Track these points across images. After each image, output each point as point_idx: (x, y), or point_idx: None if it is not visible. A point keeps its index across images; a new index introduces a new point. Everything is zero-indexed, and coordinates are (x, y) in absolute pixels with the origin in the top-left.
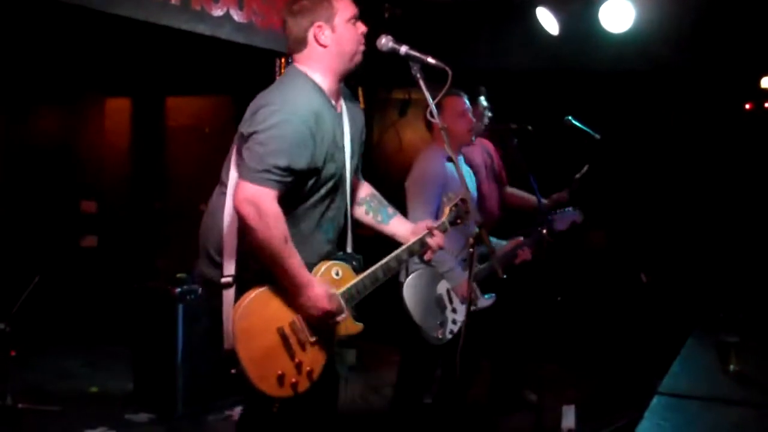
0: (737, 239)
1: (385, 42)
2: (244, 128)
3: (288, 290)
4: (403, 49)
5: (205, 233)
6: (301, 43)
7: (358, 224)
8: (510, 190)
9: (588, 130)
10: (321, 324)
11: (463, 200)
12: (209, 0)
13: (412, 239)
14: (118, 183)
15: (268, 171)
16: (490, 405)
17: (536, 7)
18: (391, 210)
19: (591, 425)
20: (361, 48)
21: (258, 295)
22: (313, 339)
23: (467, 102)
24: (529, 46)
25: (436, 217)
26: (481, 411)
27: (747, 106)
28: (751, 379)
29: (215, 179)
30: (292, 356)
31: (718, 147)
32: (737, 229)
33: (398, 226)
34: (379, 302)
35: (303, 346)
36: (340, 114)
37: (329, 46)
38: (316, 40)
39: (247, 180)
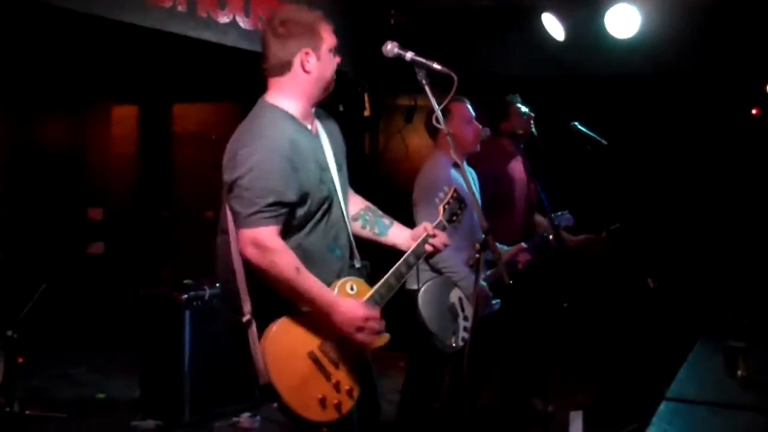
0: (744, 244)
1: (390, 48)
2: (226, 176)
3: (310, 314)
4: (409, 55)
5: (222, 283)
6: (284, 67)
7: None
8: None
9: (594, 135)
10: (355, 338)
11: (455, 197)
12: (215, 7)
13: (414, 244)
14: (124, 190)
15: (259, 212)
16: (500, 413)
17: (542, 13)
18: (387, 220)
19: (599, 431)
20: (334, 77)
21: (280, 326)
22: (343, 356)
23: (471, 109)
24: (534, 52)
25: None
26: (490, 419)
27: (753, 111)
28: (758, 384)
29: (222, 186)
30: (328, 378)
31: (724, 152)
32: (744, 234)
33: (397, 236)
34: (385, 309)
35: (337, 366)
36: (317, 135)
37: (311, 73)
38: (302, 67)
39: (243, 227)
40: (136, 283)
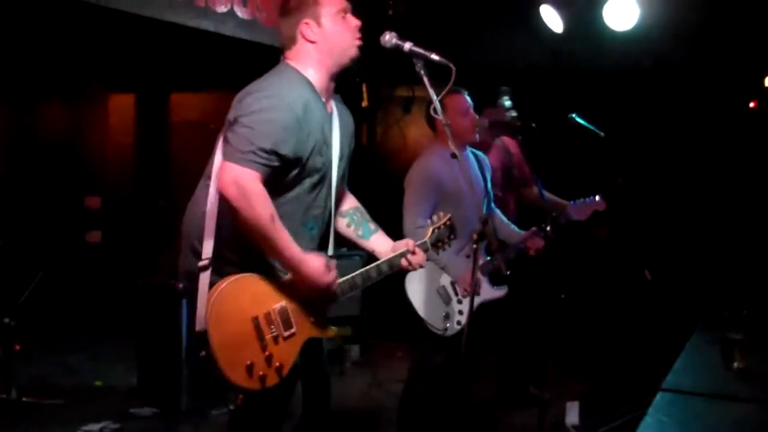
0: (741, 236)
1: (388, 38)
2: (231, 113)
3: (268, 281)
4: (407, 45)
5: (188, 226)
6: (291, 41)
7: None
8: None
9: (592, 127)
10: (300, 316)
11: (448, 225)
12: None
13: (392, 255)
14: (122, 178)
15: (253, 152)
16: (497, 401)
17: (540, 4)
18: (373, 226)
19: (595, 421)
20: (356, 42)
21: (236, 281)
22: (286, 333)
23: (469, 99)
24: (532, 43)
25: (430, 218)
26: (486, 407)
27: (751, 105)
28: (754, 375)
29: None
30: (263, 348)
31: (722, 145)
32: (741, 226)
33: (378, 243)
34: (382, 299)
35: (276, 339)
36: (331, 114)
37: (318, 42)
38: (304, 37)
39: (231, 161)
40: (134, 272)
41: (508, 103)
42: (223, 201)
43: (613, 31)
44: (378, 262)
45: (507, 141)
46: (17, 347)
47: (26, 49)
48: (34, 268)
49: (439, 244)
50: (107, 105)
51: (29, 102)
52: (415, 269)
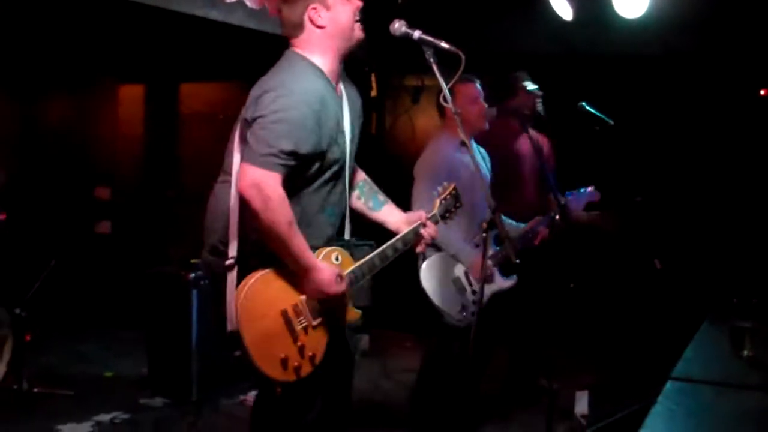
0: (751, 225)
1: (398, 27)
2: (248, 114)
3: (293, 273)
4: (416, 33)
5: (210, 223)
6: (297, 28)
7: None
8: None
9: (601, 115)
10: (325, 306)
11: (453, 194)
12: None
13: (405, 229)
14: (131, 169)
15: (273, 155)
16: (506, 392)
17: None
18: (382, 197)
19: (604, 410)
20: (357, 24)
21: (261, 277)
22: (315, 323)
23: (479, 87)
24: (542, 31)
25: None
26: (496, 398)
27: (761, 92)
28: (764, 364)
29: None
30: (294, 339)
31: (732, 133)
32: (751, 214)
33: (389, 214)
34: (392, 289)
35: (306, 330)
36: (341, 97)
37: (327, 27)
38: (313, 23)
39: (251, 164)
40: (144, 262)
41: (532, 86)
42: (243, 202)
43: (622, 19)
44: (392, 241)
45: (542, 139)
46: (28, 338)
47: (35, 41)
48: (45, 259)
49: (447, 214)
50: (116, 96)
51: (39, 94)
52: (429, 242)
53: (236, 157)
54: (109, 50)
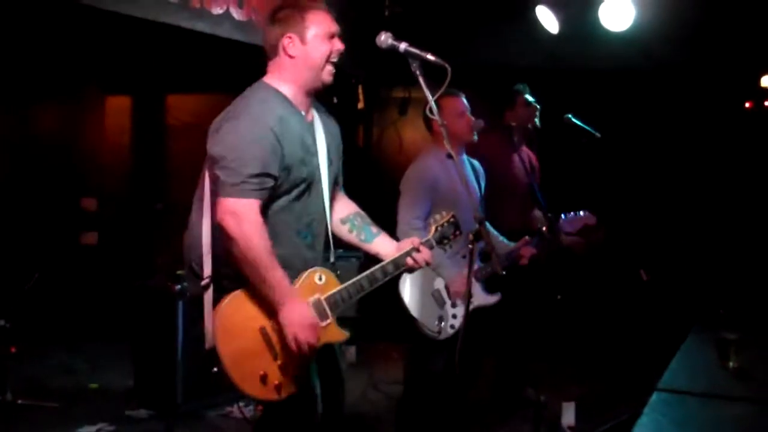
0: (737, 236)
1: (384, 39)
2: (211, 148)
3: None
4: (403, 46)
5: (188, 249)
6: (272, 51)
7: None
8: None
9: (588, 128)
10: (290, 340)
11: (451, 222)
12: None
13: (398, 254)
14: (118, 180)
15: (244, 182)
16: (493, 403)
17: (536, 5)
18: (375, 229)
19: (591, 422)
20: (329, 67)
21: (239, 294)
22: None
23: (465, 101)
24: (528, 44)
25: (425, 219)
26: (482, 409)
27: (747, 105)
28: (750, 375)
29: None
30: (274, 357)
31: (717, 145)
32: (737, 226)
33: (382, 245)
34: (378, 300)
35: (286, 348)
36: (311, 123)
37: (296, 58)
38: (285, 51)
39: (225, 196)
40: (130, 274)
41: (531, 99)
42: (220, 230)
43: (608, 32)
44: (383, 263)
45: (531, 154)
46: (13, 349)
47: (22, 51)
48: (30, 270)
49: (445, 241)
50: (103, 107)
51: (25, 104)
52: (421, 266)
53: (207, 184)
54: (96, 61)
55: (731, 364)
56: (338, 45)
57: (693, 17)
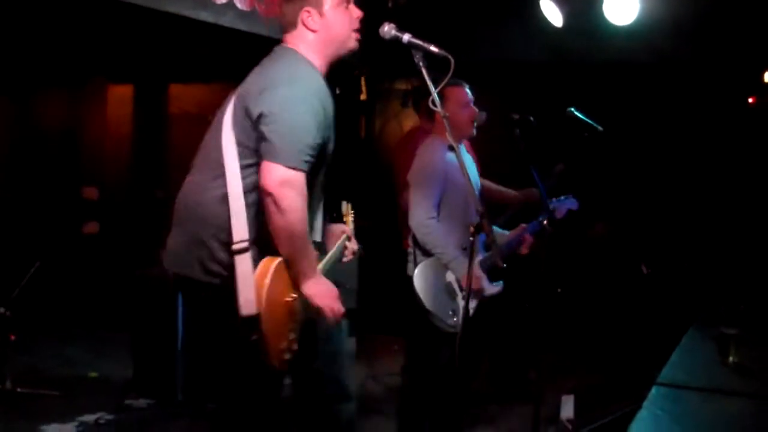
0: (738, 232)
1: (387, 30)
2: (251, 106)
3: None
4: (406, 37)
5: (201, 222)
6: (291, 25)
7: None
8: (486, 183)
9: (591, 122)
10: (327, 309)
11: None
12: None
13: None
14: (120, 169)
15: (302, 151)
16: (493, 393)
17: None
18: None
19: (590, 415)
20: (354, 34)
21: (282, 262)
22: (307, 319)
23: (470, 92)
24: (532, 37)
25: (438, 209)
26: (484, 398)
27: (750, 100)
28: (750, 370)
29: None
30: (292, 330)
31: (720, 140)
32: (738, 221)
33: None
34: (378, 292)
35: (299, 324)
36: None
37: (318, 31)
38: (305, 25)
39: (278, 162)
40: (131, 263)
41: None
42: (272, 201)
43: (612, 26)
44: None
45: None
46: (13, 337)
47: (24, 40)
48: (31, 259)
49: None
50: (105, 96)
51: (27, 93)
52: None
53: (230, 152)
54: (99, 50)
55: (731, 359)
56: (356, 12)
57: (697, 11)
